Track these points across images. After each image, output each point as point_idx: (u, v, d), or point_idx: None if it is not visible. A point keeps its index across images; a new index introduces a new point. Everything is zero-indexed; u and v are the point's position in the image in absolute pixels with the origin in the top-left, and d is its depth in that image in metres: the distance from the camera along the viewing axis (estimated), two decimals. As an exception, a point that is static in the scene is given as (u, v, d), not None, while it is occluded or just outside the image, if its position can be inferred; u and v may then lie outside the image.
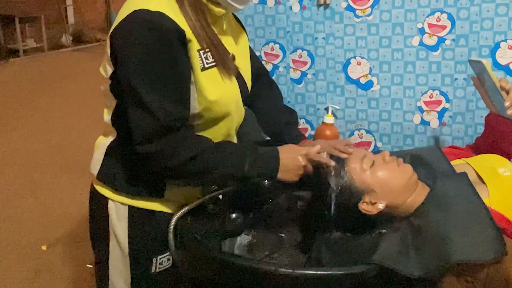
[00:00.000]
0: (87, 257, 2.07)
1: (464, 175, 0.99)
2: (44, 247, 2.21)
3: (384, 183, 0.97)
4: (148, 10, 0.84)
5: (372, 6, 1.50)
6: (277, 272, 0.82)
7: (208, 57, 0.93)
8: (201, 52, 0.91)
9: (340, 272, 0.83)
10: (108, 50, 0.92)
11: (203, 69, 0.92)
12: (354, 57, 1.56)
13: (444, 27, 1.47)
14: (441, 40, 1.48)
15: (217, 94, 0.95)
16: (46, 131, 3.89)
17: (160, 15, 0.84)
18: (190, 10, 0.90)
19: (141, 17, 0.84)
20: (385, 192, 0.97)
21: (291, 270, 0.82)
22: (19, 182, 2.93)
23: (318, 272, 0.83)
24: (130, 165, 0.98)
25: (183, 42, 0.88)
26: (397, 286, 0.86)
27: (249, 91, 1.10)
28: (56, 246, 2.23)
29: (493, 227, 0.84)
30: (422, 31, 1.48)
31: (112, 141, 1.00)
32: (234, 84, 1.01)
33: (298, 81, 1.63)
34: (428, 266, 0.83)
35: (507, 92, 1.02)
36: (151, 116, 0.85)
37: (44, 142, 3.61)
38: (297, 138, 1.19)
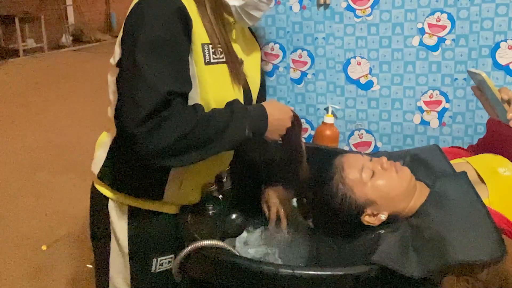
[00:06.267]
0: (87, 257, 2.07)
1: (464, 174, 0.99)
2: (44, 247, 2.21)
3: (386, 194, 0.97)
4: None
5: (372, 6, 1.50)
6: (277, 272, 0.82)
7: (217, 53, 0.92)
8: (207, 46, 0.91)
9: (341, 273, 0.83)
10: (121, 34, 0.91)
11: (208, 63, 0.92)
12: (354, 57, 1.56)
13: (444, 27, 1.46)
14: (441, 40, 1.47)
15: (218, 91, 0.93)
16: (46, 131, 3.89)
17: None
18: (208, 7, 0.91)
19: None
20: (387, 202, 0.97)
21: (291, 270, 0.82)
22: (19, 182, 2.93)
23: (318, 272, 0.83)
24: (130, 166, 0.98)
25: (186, 23, 0.88)
26: (397, 286, 0.86)
27: (252, 103, 1.06)
28: (56, 246, 2.23)
29: (492, 227, 0.84)
30: (422, 31, 1.48)
31: (113, 139, 1.00)
32: (239, 90, 1.00)
33: (298, 81, 1.63)
34: (428, 266, 0.83)
35: (509, 103, 1.02)
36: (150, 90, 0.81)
37: (44, 142, 3.61)
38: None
